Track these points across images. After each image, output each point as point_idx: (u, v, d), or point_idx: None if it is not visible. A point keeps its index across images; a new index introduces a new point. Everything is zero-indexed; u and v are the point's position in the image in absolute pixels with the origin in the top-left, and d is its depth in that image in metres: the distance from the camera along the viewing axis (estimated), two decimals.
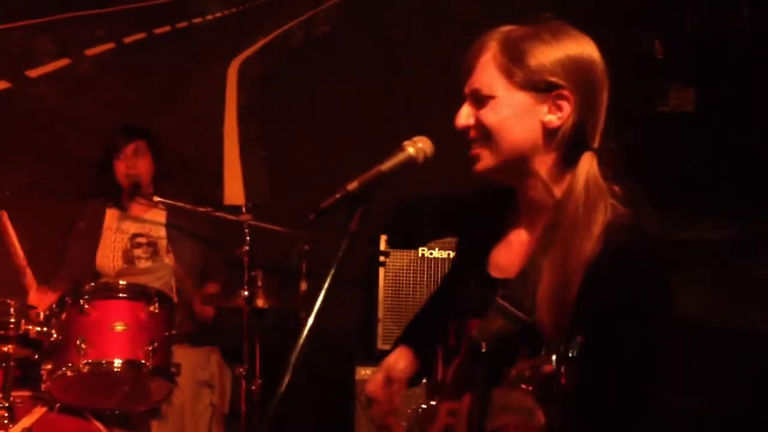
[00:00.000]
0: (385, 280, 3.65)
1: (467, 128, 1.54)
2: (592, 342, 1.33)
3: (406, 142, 1.54)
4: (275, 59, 4.38)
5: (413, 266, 3.65)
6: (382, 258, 3.73)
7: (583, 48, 1.52)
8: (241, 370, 3.22)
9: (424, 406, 1.68)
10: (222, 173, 4.32)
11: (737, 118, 4.04)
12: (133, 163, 3.67)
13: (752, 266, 3.74)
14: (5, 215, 3.39)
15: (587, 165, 1.48)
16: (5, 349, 2.84)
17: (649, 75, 4.28)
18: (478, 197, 1.75)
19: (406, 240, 3.75)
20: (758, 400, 3.35)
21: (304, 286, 3.61)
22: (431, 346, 1.72)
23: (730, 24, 4.10)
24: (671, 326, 1.45)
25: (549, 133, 1.51)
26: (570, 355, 1.28)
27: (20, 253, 3.36)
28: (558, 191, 1.51)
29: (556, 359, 1.29)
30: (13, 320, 2.82)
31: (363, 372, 3.53)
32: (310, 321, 1.43)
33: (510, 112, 1.51)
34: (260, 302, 3.34)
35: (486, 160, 1.53)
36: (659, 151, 4.11)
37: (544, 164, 1.52)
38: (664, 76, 4.28)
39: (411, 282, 3.65)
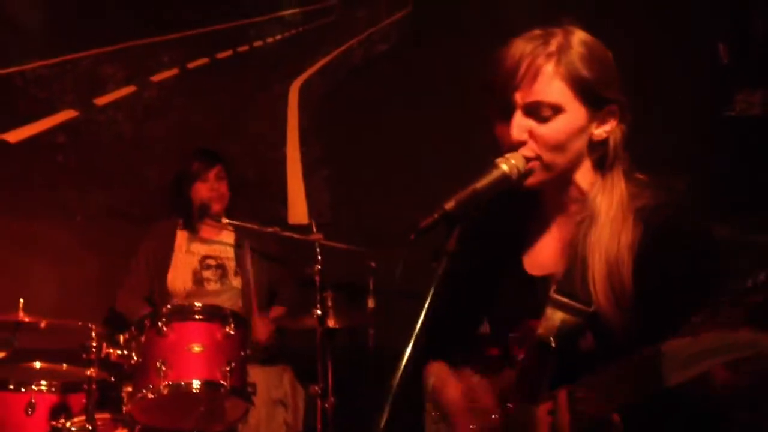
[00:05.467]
0: None
1: (522, 143, 1.51)
2: (669, 309, 1.40)
3: (498, 159, 1.50)
4: (335, 79, 4.43)
5: None
6: None
7: (613, 60, 1.55)
8: (316, 388, 3.23)
9: (494, 416, 1.62)
10: (286, 193, 4.37)
11: None
12: (217, 186, 3.75)
13: None
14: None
15: (619, 168, 1.55)
16: (88, 372, 2.89)
17: (714, 79, 4.22)
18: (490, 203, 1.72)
19: None
20: None
21: (371, 303, 3.62)
22: (457, 356, 1.72)
23: None
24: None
25: (592, 145, 1.55)
26: None
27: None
28: (587, 189, 1.56)
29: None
30: (94, 344, 2.87)
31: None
32: (409, 349, 1.37)
33: (573, 128, 1.51)
34: (331, 322, 3.35)
35: (539, 174, 1.53)
36: (726, 156, 4.04)
37: (582, 172, 1.57)
38: (730, 81, 4.21)
39: None
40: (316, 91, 4.42)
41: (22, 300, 3.11)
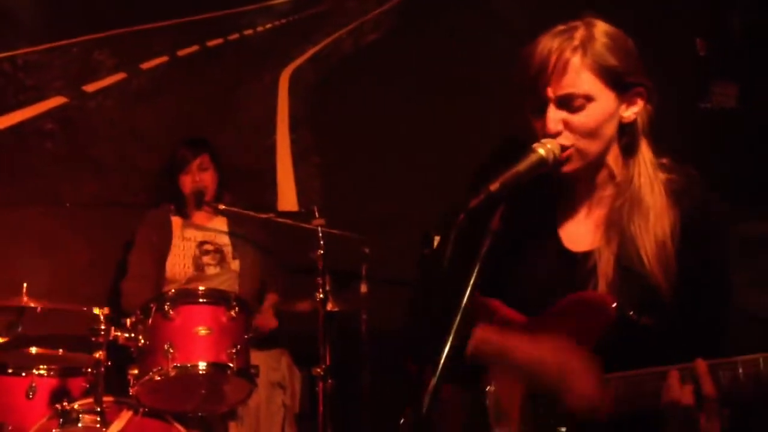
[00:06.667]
0: None
1: (558, 134, 1.61)
2: (708, 285, 1.60)
3: (535, 145, 1.60)
4: (325, 68, 4.48)
5: None
6: None
7: (635, 46, 1.67)
8: (318, 370, 3.30)
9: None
10: (276, 180, 4.41)
11: None
12: (200, 177, 3.78)
13: None
14: None
15: (647, 150, 1.67)
16: (96, 355, 2.91)
17: (691, 72, 4.35)
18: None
19: None
20: None
21: (364, 288, 3.70)
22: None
23: None
24: None
25: (622, 127, 1.66)
26: None
27: None
28: (618, 172, 1.68)
29: None
30: (103, 327, 2.90)
31: None
32: (452, 336, 1.41)
33: (605, 114, 1.63)
34: (329, 306, 3.42)
35: (575, 162, 1.63)
36: (701, 148, 4.17)
37: (613, 156, 1.68)
38: (707, 73, 4.34)
39: None
40: (306, 80, 4.46)
41: (25, 285, 3.12)
